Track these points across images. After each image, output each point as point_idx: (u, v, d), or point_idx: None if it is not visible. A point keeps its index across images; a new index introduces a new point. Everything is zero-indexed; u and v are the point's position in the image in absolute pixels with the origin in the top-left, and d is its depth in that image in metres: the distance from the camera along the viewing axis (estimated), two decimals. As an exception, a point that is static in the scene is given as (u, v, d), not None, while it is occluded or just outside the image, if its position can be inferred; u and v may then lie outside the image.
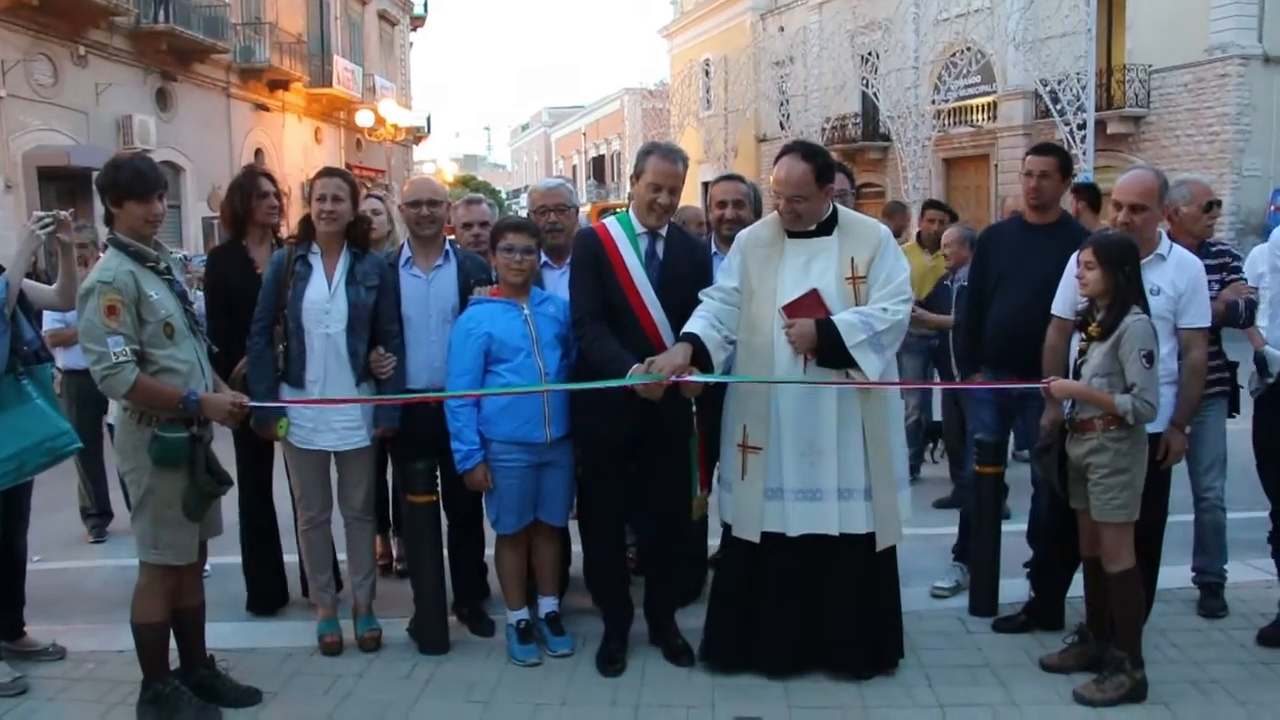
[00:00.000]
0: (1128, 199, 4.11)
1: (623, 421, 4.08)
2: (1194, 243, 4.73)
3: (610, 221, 4.27)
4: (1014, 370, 4.59)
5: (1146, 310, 3.83)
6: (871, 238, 4.03)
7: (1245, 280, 4.74)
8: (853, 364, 3.84)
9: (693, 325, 3.96)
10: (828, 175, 3.99)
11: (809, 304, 3.91)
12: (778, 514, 3.98)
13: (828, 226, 4.04)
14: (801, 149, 4.05)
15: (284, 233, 5.09)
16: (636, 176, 4.18)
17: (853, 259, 3.96)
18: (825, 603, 4.03)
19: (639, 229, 4.18)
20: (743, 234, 4.24)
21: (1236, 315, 4.63)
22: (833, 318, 3.86)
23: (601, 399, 4.05)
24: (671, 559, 4.45)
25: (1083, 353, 3.94)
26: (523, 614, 4.42)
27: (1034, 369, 4.29)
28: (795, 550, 3.99)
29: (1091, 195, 7.10)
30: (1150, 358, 3.75)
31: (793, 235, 4.05)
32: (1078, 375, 3.95)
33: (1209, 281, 4.59)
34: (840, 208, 4.15)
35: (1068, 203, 6.09)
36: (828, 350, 3.84)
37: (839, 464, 3.93)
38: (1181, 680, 3.99)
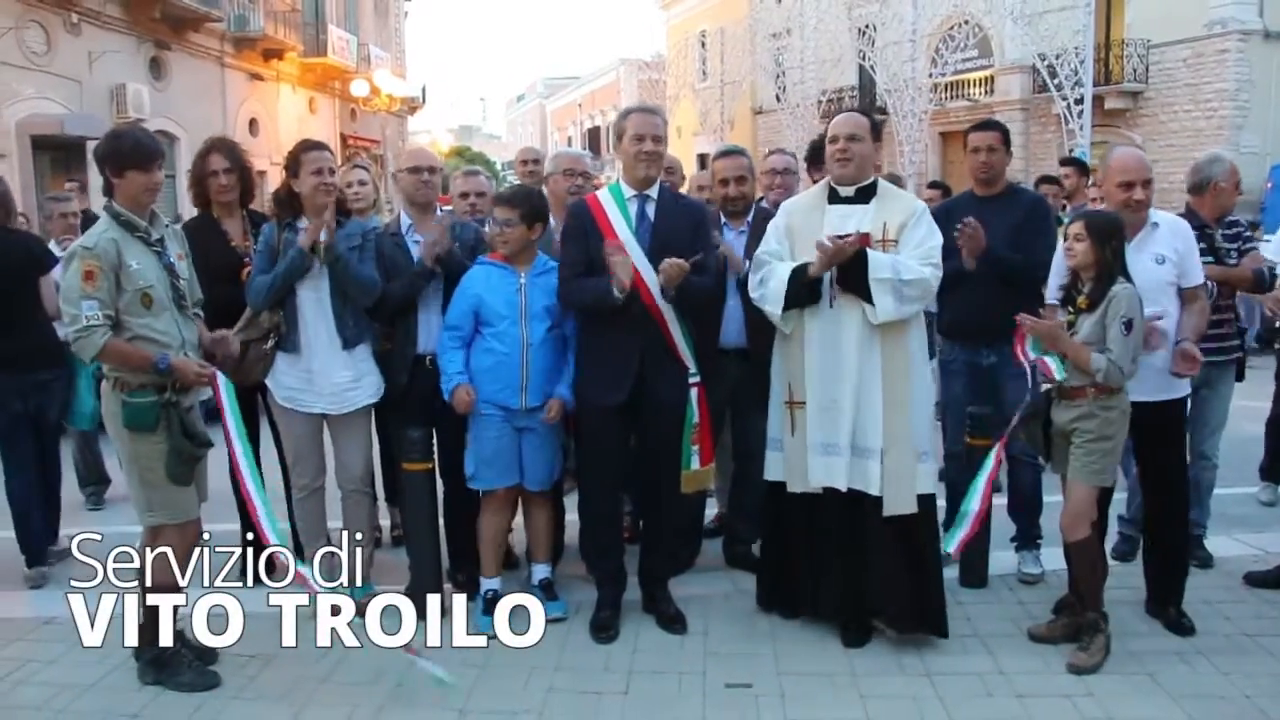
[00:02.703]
0: (1141, 177, 4.17)
1: (622, 386, 4.15)
2: (1217, 216, 4.87)
3: (600, 191, 4.37)
4: (976, 339, 4.69)
5: (1130, 282, 3.92)
6: (907, 207, 4.21)
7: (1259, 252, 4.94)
8: (869, 298, 3.96)
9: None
10: (878, 133, 4.30)
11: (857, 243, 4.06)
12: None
13: (867, 195, 4.18)
14: (857, 108, 4.42)
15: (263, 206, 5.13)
16: (619, 138, 4.27)
17: (885, 223, 4.11)
18: (865, 559, 4.16)
19: (628, 193, 4.24)
20: (787, 202, 4.46)
21: (1264, 281, 4.87)
22: (868, 251, 3.98)
23: (602, 363, 4.18)
24: (668, 528, 4.50)
25: (1070, 324, 4.00)
26: (494, 584, 4.46)
27: (996, 337, 4.38)
28: (835, 504, 4.12)
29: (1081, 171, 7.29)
30: (1129, 325, 3.83)
31: (833, 201, 4.20)
32: None
33: (1229, 250, 4.74)
34: (881, 180, 4.30)
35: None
36: (852, 272, 3.97)
37: (855, 421, 4.03)
38: (1166, 651, 4.06)
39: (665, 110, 4.62)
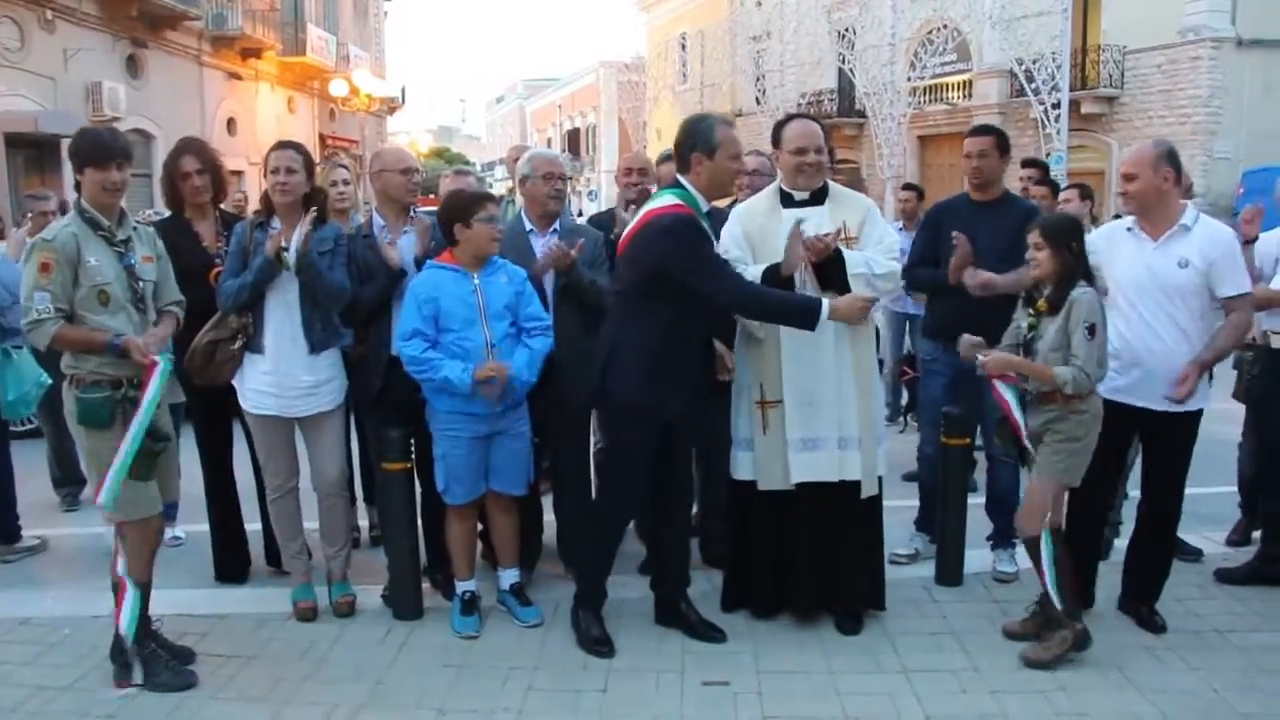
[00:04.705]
0: (1124, 170, 4.20)
1: (689, 393, 4.15)
2: None
3: (685, 203, 4.01)
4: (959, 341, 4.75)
5: (1093, 284, 3.93)
6: (860, 206, 4.39)
7: None
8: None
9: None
10: (827, 140, 4.40)
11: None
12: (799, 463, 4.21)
13: (820, 197, 4.28)
14: (806, 115, 4.55)
15: (243, 206, 5.12)
16: (709, 153, 3.99)
17: (845, 222, 4.20)
18: (831, 548, 4.29)
19: (704, 208, 4.11)
20: (739, 207, 4.42)
21: None
22: (841, 250, 4.10)
23: (676, 374, 4.07)
24: (686, 532, 4.52)
25: (1032, 328, 4.02)
26: (469, 585, 4.43)
27: (984, 341, 4.44)
28: (803, 498, 4.21)
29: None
30: (1093, 330, 3.83)
31: (787, 205, 4.27)
32: (1029, 352, 4.02)
33: None
34: (829, 181, 4.39)
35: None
36: (830, 269, 4.06)
37: (838, 413, 4.15)
38: (1138, 647, 4.12)
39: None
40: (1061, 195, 6.75)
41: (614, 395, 4.11)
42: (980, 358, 4.01)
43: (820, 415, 4.16)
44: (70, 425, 3.87)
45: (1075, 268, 3.92)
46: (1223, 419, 5.66)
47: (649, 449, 4.14)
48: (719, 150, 4.01)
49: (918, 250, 5.07)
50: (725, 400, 4.43)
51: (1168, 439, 4.24)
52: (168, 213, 5.03)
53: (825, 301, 3.91)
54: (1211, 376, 5.05)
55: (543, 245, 4.62)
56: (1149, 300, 4.13)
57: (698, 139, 4.04)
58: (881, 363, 7.78)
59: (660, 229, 3.96)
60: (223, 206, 5.00)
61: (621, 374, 4.07)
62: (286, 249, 4.24)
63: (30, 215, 6.83)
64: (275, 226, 4.37)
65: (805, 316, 3.93)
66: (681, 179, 4.09)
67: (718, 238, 4.18)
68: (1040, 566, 4.02)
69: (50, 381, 5.35)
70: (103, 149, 3.81)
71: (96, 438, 3.77)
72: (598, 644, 4.15)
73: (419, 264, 4.47)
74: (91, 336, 3.72)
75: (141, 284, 3.89)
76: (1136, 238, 4.22)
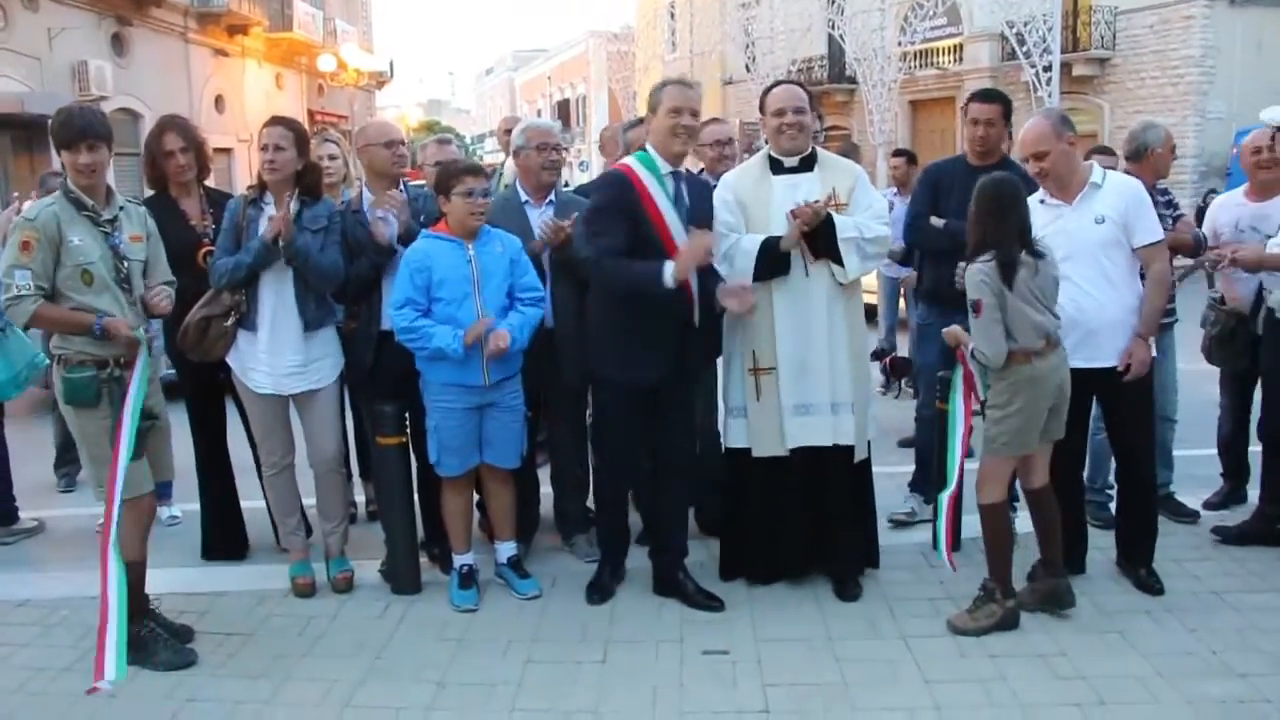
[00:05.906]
0: (1026, 151, 4.26)
1: (664, 362, 4.13)
2: (1154, 181, 4.92)
3: (633, 163, 4.17)
4: (956, 303, 4.74)
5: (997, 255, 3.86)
6: (849, 172, 4.39)
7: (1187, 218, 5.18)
8: (839, 259, 4.10)
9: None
10: (814, 102, 4.46)
11: None
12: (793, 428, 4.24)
13: (809, 163, 4.28)
14: (791, 80, 4.57)
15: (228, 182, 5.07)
16: (653, 110, 4.15)
17: (835, 189, 4.19)
18: (824, 512, 4.33)
19: (664, 169, 4.13)
20: (727, 175, 4.43)
21: (1201, 244, 4.98)
22: (832, 214, 4.11)
23: (644, 343, 4.09)
24: (683, 502, 4.52)
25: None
26: (466, 559, 4.43)
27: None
28: (795, 464, 4.24)
29: None
30: (977, 307, 3.82)
31: (777, 172, 4.28)
32: None
33: (1165, 217, 4.79)
34: (818, 148, 4.40)
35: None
36: (820, 236, 4.09)
37: (830, 379, 4.18)
38: (1136, 609, 4.13)
39: (697, 82, 4.56)
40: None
41: (590, 366, 4.23)
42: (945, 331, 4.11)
43: (813, 381, 4.19)
44: (60, 405, 3.87)
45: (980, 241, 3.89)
46: (1212, 380, 5.68)
47: (631, 418, 4.19)
48: (660, 106, 4.10)
49: (919, 205, 5.06)
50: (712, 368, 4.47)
51: (1123, 393, 4.26)
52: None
53: (667, 264, 3.90)
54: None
55: (539, 218, 4.58)
56: (1074, 262, 4.14)
57: (650, 100, 4.17)
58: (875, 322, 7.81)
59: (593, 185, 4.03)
60: (207, 183, 4.95)
61: (594, 344, 4.18)
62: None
63: (17, 196, 6.77)
64: (268, 203, 4.33)
65: (651, 283, 3.93)
66: (646, 142, 4.20)
67: (678, 201, 4.13)
68: (987, 535, 4.05)
69: (48, 361, 5.26)
70: (71, 131, 3.75)
71: (84, 417, 3.78)
72: (595, 589, 4.30)
73: (404, 240, 4.43)
74: (73, 317, 3.71)
75: (127, 264, 3.85)
76: (1050, 207, 4.26)
